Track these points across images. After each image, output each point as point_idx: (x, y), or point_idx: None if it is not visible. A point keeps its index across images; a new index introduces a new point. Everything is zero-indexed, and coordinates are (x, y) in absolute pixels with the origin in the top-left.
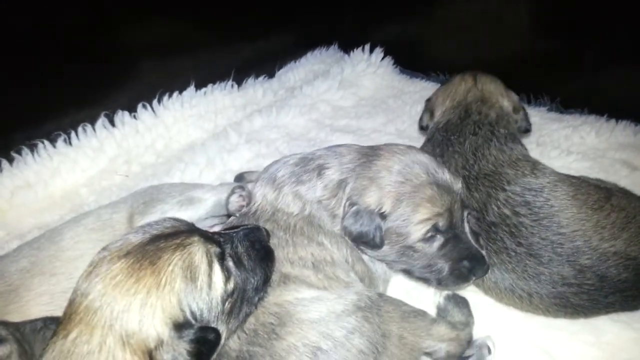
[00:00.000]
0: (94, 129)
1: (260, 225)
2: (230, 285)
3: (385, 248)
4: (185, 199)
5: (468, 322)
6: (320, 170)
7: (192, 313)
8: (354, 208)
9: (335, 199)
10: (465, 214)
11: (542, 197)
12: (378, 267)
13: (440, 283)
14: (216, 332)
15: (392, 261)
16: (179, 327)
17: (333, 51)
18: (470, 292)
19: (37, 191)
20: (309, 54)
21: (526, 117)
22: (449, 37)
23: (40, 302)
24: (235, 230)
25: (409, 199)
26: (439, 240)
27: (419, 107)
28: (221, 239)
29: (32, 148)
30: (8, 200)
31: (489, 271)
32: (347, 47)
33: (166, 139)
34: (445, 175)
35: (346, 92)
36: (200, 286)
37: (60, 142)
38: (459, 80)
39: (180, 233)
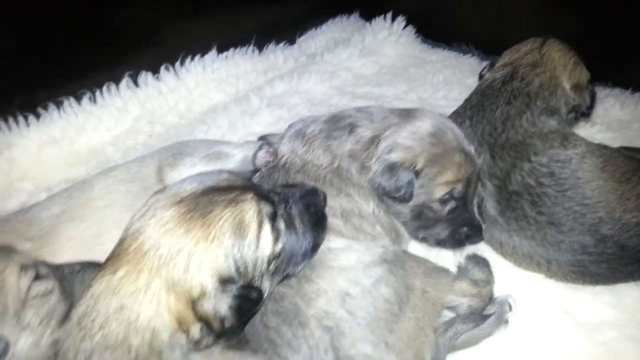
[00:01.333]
0: (117, 89)
1: (319, 189)
2: (278, 247)
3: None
4: (213, 153)
5: (489, 280)
6: (351, 127)
7: (237, 270)
8: (389, 163)
9: (366, 152)
10: (479, 187)
11: (569, 169)
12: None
13: (438, 244)
14: (258, 291)
15: (405, 217)
16: (224, 281)
17: (354, 19)
18: (491, 253)
19: (63, 147)
20: (329, 22)
21: (588, 100)
22: (472, 7)
23: (70, 247)
24: (292, 189)
25: (439, 160)
26: (452, 204)
27: (441, 76)
28: (276, 198)
29: (58, 105)
30: (35, 154)
31: (508, 236)
32: (368, 16)
33: (188, 102)
34: (471, 148)
35: (367, 60)
36: (248, 245)
37: (85, 101)
38: (530, 40)
39: (235, 188)
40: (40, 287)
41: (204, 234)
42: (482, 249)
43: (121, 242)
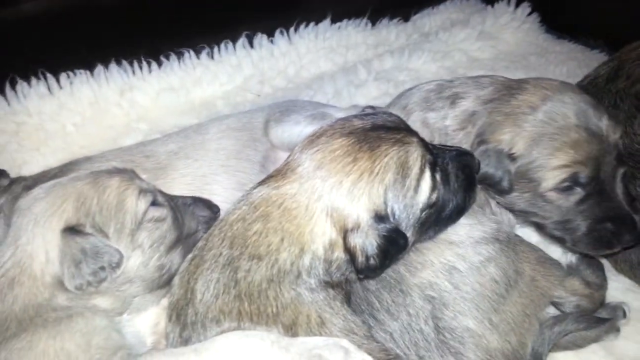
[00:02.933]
0: (234, 48)
1: (475, 154)
2: (434, 197)
3: (513, 195)
4: (318, 113)
5: (602, 285)
6: (454, 99)
7: (392, 210)
8: (482, 147)
9: (463, 132)
10: (621, 171)
11: None
12: (504, 215)
13: (575, 244)
14: (405, 238)
15: (521, 211)
16: (378, 218)
17: (473, 2)
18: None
19: (179, 96)
20: (447, 2)
21: None
22: (604, 1)
23: (182, 182)
24: (448, 148)
25: (548, 140)
26: (578, 193)
27: (565, 68)
28: (434, 150)
29: (179, 56)
30: (154, 99)
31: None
32: (488, 0)
33: (297, 67)
34: (601, 121)
35: (485, 43)
36: (408, 186)
37: (203, 55)
38: None
39: (402, 130)
40: (156, 212)
41: (370, 166)
42: None
43: (287, 162)
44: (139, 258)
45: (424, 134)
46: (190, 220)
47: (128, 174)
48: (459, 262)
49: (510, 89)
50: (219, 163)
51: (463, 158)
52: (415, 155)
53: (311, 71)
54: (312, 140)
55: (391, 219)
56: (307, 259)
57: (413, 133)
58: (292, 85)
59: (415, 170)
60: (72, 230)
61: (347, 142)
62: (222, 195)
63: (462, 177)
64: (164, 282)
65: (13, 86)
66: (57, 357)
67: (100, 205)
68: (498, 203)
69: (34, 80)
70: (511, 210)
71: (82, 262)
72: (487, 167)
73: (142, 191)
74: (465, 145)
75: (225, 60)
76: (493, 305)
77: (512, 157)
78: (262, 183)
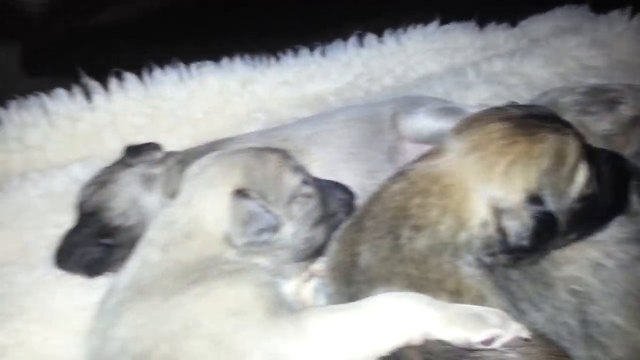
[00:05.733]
0: (345, 46)
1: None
2: (587, 191)
3: None
4: (451, 107)
5: None
6: (612, 104)
7: (545, 196)
8: None
9: (623, 137)
10: None
11: None
12: None
13: None
14: (557, 223)
15: None
16: (531, 199)
17: (582, 10)
18: None
19: (294, 89)
20: (556, 9)
21: None
22: None
23: (315, 167)
24: (603, 150)
25: None
26: None
27: None
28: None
29: (295, 51)
30: (271, 91)
31: None
32: (599, 9)
33: (406, 67)
34: None
35: (598, 51)
36: (563, 175)
37: (316, 52)
38: None
39: (559, 121)
40: (306, 189)
41: (527, 149)
42: None
43: (443, 142)
44: (291, 228)
45: None
46: (332, 202)
47: (284, 153)
48: (605, 259)
49: None
50: (349, 150)
51: (618, 162)
52: (573, 146)
53: (419, 72)
54: (468, 123)
55: (544, 201)
56: (464, 235)
57: (570, 126)
58: (401, 84)
59: (571, 159)
60: (240, 193)
61: (505, 127)
62: (352, 181)
63: (615, 179)
64: (307, 255)
65: (150, 73)
66: (233, 302)
67: (263, 175)
68: None
69: (168, 68)
70: None
71: (248, 223)
72: None
73: (296, 168)
74: (625, 151)
75: (336, 57)
76: None
77: None
78: (418, 160)
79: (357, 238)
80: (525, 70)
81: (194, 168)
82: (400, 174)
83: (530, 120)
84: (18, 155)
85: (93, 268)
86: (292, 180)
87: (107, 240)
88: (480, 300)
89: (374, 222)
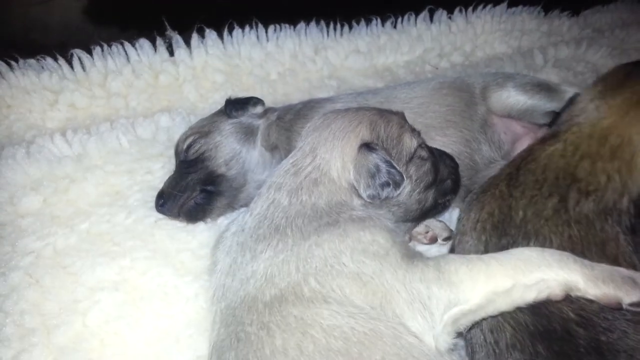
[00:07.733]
0: (415, 21)
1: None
2: None
3: None
4: (543, 83)
5: None
6: None
7: None
8: None
9: None
10: None
11: None
12: None
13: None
14: None
15: None
16: None
17: None
18: None
19: (365, 59)
20: (618, 2)
21: None
22: None
23: None
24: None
25: None
26: None
27: None
28: None
29: (367, 22)
30: (343, 59)
31: None
32: None
33: (473, 45)
34: None
35: None
36: None
37: (388, 24)
38: None
39: None
40: (422, 152)
41: None
42: None
43: (578, 104)
44: (407, 187)
45: None
46: (444, 168)
47: (403, 115)
48: None
49: None
50: (446, 117)
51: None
52: None
53: (486, 51)
54: (613, 82)
55: None
56: (625, 200)
57: None
58: (469, 62)
59: None
60: (367, 147)
61: None
62: (450, 148)
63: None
64: (415, 217)
65: (230, 32)
66: (371, 245)
67: (387, 133)
68: None
69: (247, 29)
70: None
71: (375, 175)
72: None
73: (414, 132)
74: None
75: (407, 30)
76: None
77: None
78: (560, 123)
79: (513, 192)
80: (591, 59)
81: (317, 121)
82: (553, 136)
83: None
84: (101, 101)
85: (194, 213)
86: (411, 142)
87: (210, 187)
88: (633, 268)
89: (533, 180)
